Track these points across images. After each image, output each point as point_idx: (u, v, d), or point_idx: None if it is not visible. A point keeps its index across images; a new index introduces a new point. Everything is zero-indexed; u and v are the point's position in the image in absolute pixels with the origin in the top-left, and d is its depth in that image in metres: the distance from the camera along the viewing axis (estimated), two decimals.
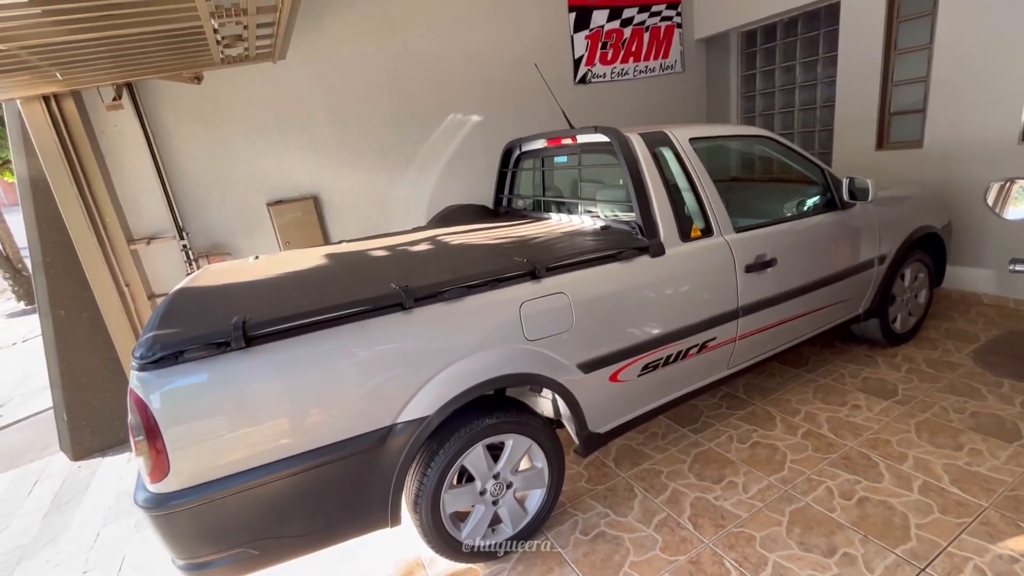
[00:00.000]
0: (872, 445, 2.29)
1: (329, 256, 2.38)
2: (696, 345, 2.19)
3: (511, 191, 3.32)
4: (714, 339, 2.24)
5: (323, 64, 3.58)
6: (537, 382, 1.82)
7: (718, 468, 2.29)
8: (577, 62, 4.54)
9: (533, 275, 1.81)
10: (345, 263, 2.27)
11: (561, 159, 2.87)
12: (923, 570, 1.66)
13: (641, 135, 2.23)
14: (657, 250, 2.06)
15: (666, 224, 2.12)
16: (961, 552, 1.71)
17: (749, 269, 2.26)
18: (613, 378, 2.01)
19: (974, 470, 2.07)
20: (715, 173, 2.33)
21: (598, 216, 2.54)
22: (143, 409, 1.31)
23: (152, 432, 1.32)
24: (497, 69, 4.21)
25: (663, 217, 2.12)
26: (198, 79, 2.93)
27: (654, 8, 4.79)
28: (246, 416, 1.40)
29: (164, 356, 1.33)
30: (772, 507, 2.02)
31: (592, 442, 2.04)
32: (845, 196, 2.57)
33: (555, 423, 2.12)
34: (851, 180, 2.55)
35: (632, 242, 2.05)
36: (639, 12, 4.72)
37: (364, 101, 3.75)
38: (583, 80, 4.60)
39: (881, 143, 3.98)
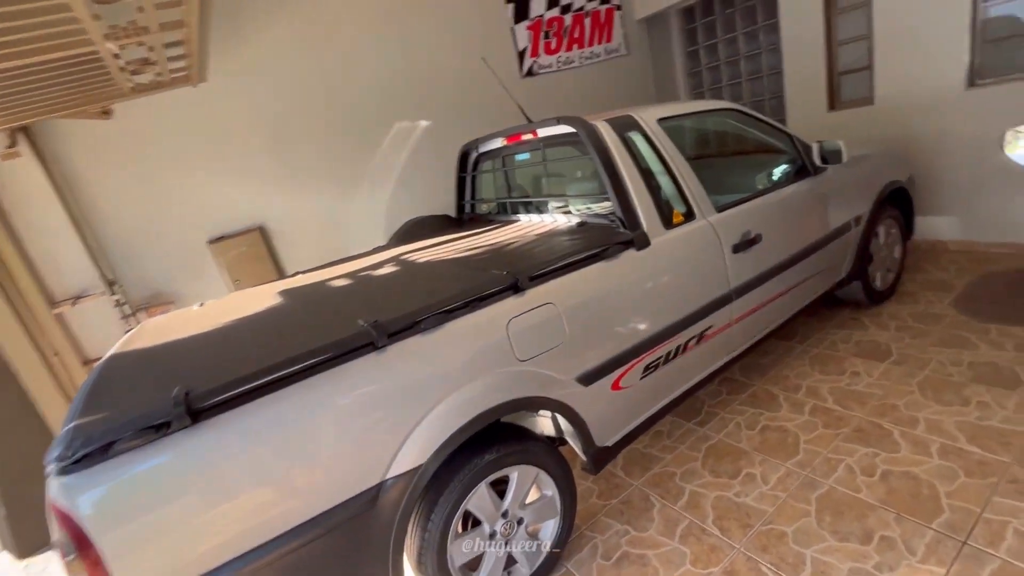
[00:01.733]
0: (881, 413, 2.23)
1: (284, 293, 2.14)
2: (695, 336, 2.06)
3: (473, 196, 3.13)
4: (711, 327, 2.12)
5: (252, 83, 3.29)
6: (536, 405, 1.64)
7: (732, 461, 2.18)
8: (521, 54, 4.38)
9: (516, 288, 1.63)
10: (303, 299, 2.03)
11: (523, 156, 2.70)
12: (965, 543, 1.58)
13: (608, 121, 2.08)
14: (642, 242, 1.91)
15: (647, 213, 1.98)
16: (998, 517, 1.63)
17: (737, 249, 2.15)
18: (615, 386, 1.85)
19: (987, 424, 2.02)
20: (684, 152, 2.21)
21: (571, 212, 2.39)
22: (69, 523, 1.06)
23: (85, 547, 1.07)
24: (440, 70, 4.00)
25: (643, 206, 1.97)
26: (106, 113, 2.61)
27: None
28: (202, 506, 1.16)
29: (89, 453, 1.08)
30: (797, 496, 1.91)
31: (601, 458, 1.88)
32: (817, 161, 2.50)
33: (557, 440, 1.95)
34: (821, 144, 2.48)
35: (615, 237, 1.90)
36: None
37: (303, 118, 3.48)
38: (530, 73, 4.44)
39: (833, 104, 3.99)
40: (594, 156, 1.97)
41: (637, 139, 2.11)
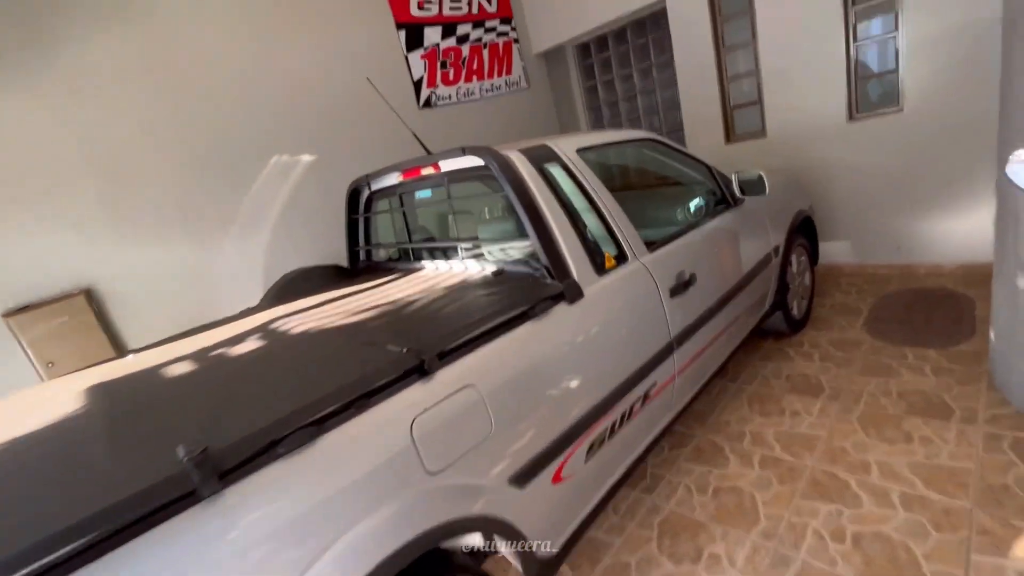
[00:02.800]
0: (831, 458, 2.06)
1: (93, 392, 1.51)
2: (639, 398, 1.76)
3: (368, 241, 2.67)
4: (655, 384, 1.83)
5: (70, 108, 2.58)
6: (457, 531, 1.20)
7: (691, 538, 1.87)
8: (417, 84, 4.04)
9: (422, 370, 1.21)
10: (116, 401, 1.43)
11: (424, 194, 2.30)
12: None
13: (523, 152, 1.76)
14: (575, 293, 1.58)
15: (577, 258, 1.66)
16: None
17: (674, 292, 1.90)
18: (557, 478, 1.47)
19: (936, 463, 1.91)
20: (607, 185, 1.95)
21: (485, 258, 2.02)
22: None
23: None
24: (324, 98, 3.53)
25: (571, 250, 1.66)
26: None
27: (488, 24, 4.51)
28: None
29: None
30: None
31: (547, 571, 1.47)
32: (736, 192, 2.39)
33: (483, 554, 1.51)
34: (739, 175, 2.37)
35: (542, 290, 1.55)
36: (473, 28, 4.40)
37: (146, 152, 2.81)
38: (428, 104, 4.11)
39: (729, 137, 4.10)
40: (509, 192, 1.62)
41: (556, 172, 1.81)
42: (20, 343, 2.45)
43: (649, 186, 3.05)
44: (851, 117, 3.44)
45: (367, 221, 2.62)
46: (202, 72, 2.98)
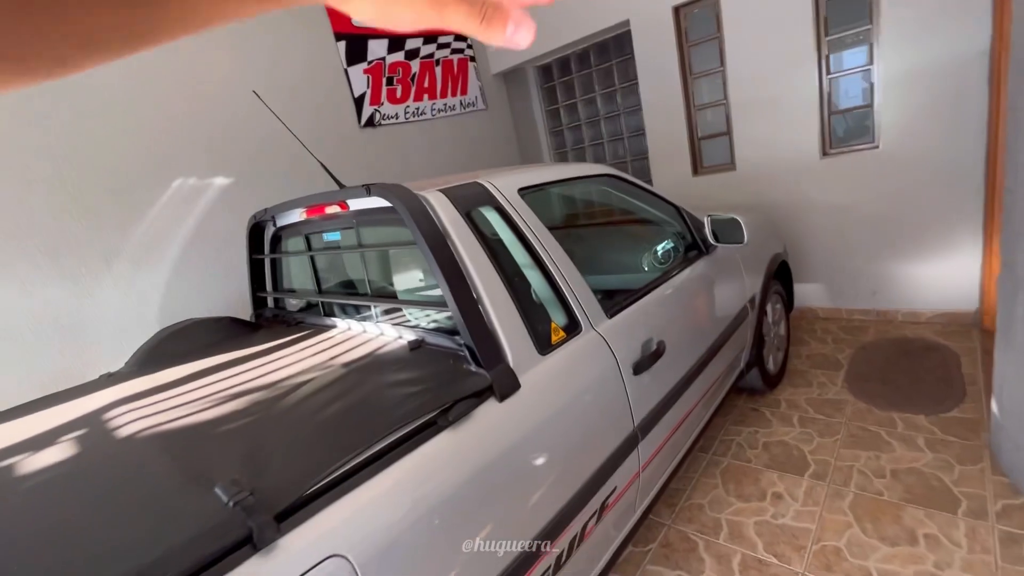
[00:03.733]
0: (825, 564, 1.71)
1: None
2: (594, 512, 1.35)
3: (276, 287, 2.21)
4: (615, 490, 1.43)
5: None
6: None
7: None
8: (359, 101, 3.63)
9: (252, 542, 0.77)
10: None
11: (332, 235, 1.87)
12: None
13: (445, 192, 1.37)
14: (507, 386, 1.18)
15: (513, 334, 1.26)
16: None
17: (639, 368, 1.52)
18: None
19: (949, 575, 1.58)
20: (556, 234, 1.58)
21: (405, 319, 1.60)
22: None
23: None
24: (247, 113, 3.06)
25: (506, 323, 1.26)
26: None
27: (440, 39, 4.16)
28: None
29: None
30: None
31: None
32: (710, 239, 2.06)
33: None
34: (713, 218, 2.05)
35: (461, 382, 1.14)
36: (424, 43, 4.03)
37: (14, 179, 2.28)
38: (371, 122, 3.70)
39: (697, 169, 3.84)
40: (422, 246, 1.22)
41: (491, 217, 1.42)
42: None
43: (609, 232, 2.70)
44: (824, 153, 3.22)
45: (274, 263, 2.17)
46: (86, 84, 2.48)
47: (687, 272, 1.97)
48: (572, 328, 1.42)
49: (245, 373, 1.49)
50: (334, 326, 1.80)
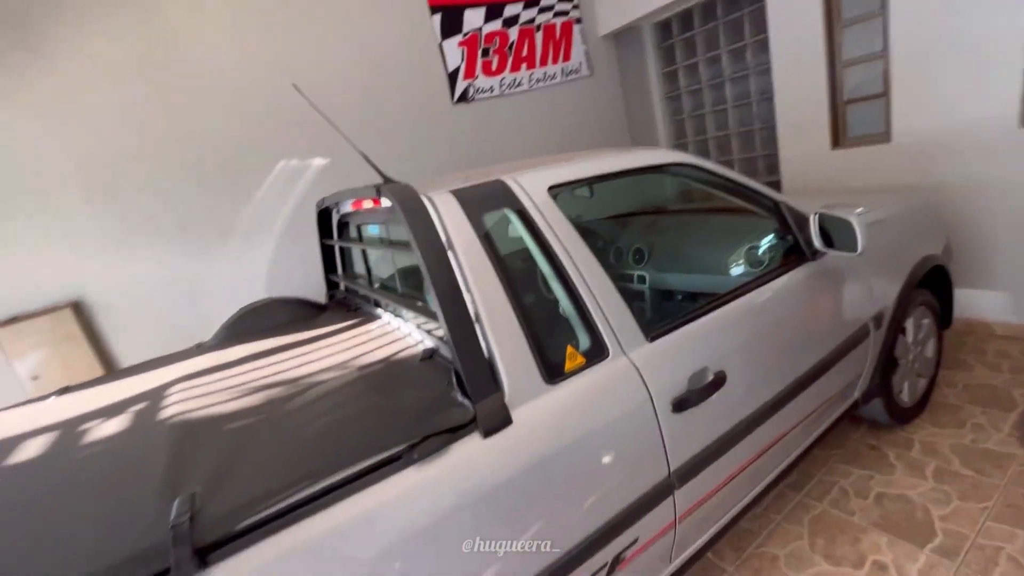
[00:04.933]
0: None
1: None
2: (603, 566, 1.18)
3: (344, 271, 2.29)
4: (634, 542, 1.24)
5: (61, 115, 2.48)
6: None
7: None
8: (453, 76, 3.58)
9: (190, 567, 0.77)
10: None
11: (374, 229, 1.85)
12: None
13: (456, 194, 1.23)
14: (494, 419, 1.05)
15: (513, 360, 1.11)
16: None
17: (682, 405, 1.27)
18: None
19: None
20: (596, 241, 1.36)
21: (427, 325, 1.53)
22: None
23: None
24: (342, 93, 3.19)
25: (506, 348, 1.11)
26: None
27: (543, 2, 3.90)
28: None
29: None
30: None
31: None
32: (816, 242, 1.63)
33: None
34: (822, 216, 1.62)
35: (443, 414, 1.03)
36: (525, 8, 3.81)
37: (138, 159, 2.66)
38: (464, 98, 3.63)
39: (837, 140, 3.15)
40: (417, 254, 1.11)
41: (511, 222, 1.26)
42: (6, 355, 2.42)
43: (683, 231, 2.32)
44: None
45: (341, 248, 2.24)
46: (202, 72, 2.77)
47: (778, 283, 1.60)
48: (596, 353, 1.22)
49: (282, 363, 1.55)
50: (379, 317, 1.80)
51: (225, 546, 0.82)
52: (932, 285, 2.23)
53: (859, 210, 1.87)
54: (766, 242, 1.83)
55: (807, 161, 3.26)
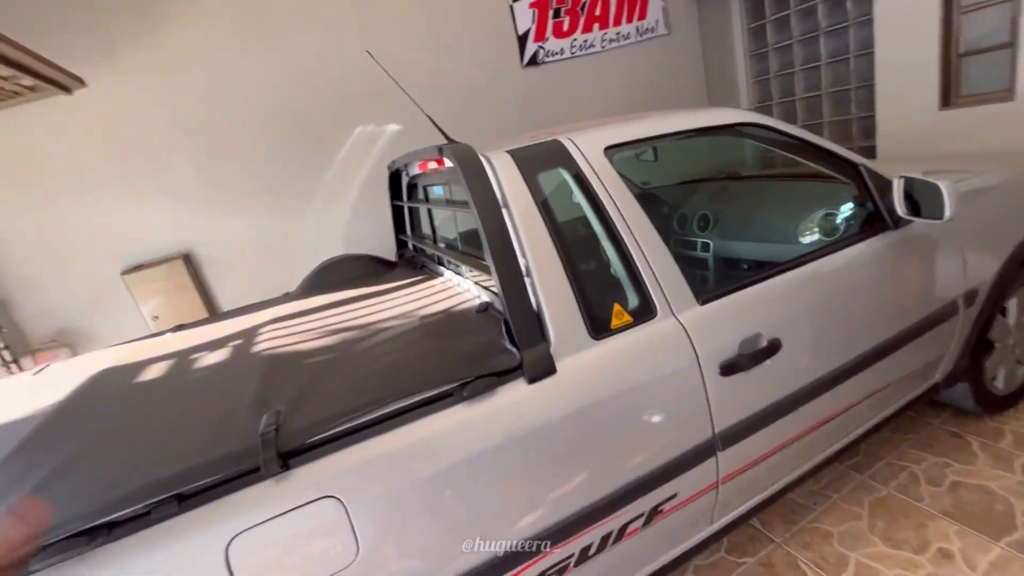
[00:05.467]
0: None
1: (107, 377, 1.57)
2: (639, 516, 1.24)
3: (413, 231, 2.43)
4: (673, 497, 1.28)
5: (172, 84, 2.78)
6: None
7: None
8: (523, 39, 3.55)
9: (275, 466, 0.92)
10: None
11: (439, 191, 1.94)
12: None
13: (512, 152, 1.28)
14: (539, 367, 1.12)
15: (561, 315, 1.17)
16: None
17: (729, 369, 1.27)
18: None
19: None
20: (653, 204, 1.35)
21: (485, 281, 1.62)
22: None
23: None
24: (416, 61, 3.29)
25: (554, 303, 1.17)
26: None
27: None
28: None
29: None
30: None
31: None
32: (899, 209, 1.52)
33: None
34: (907, 181, 1.49)
35: (492, 359, 1.11)
36: None
37: (237, 126, 2.93)
38: (534, 61, 3.60)
39: (948, 98, 2.81)
40: (473, 211, 1.18)
41: (565, 181, 1.29)
42: (134, 298, 2.83)
43: (751, 195, 2.20)
44: None
45: (411, 211, 2.37)
46: (289, 45, 2.96)
47: (851, 252, 1.51)
48: (643, 312, 1.25)
49: (354, 311, 1.71)
50: (441, 275, 1.92)
51: (303, 454, 0.96)
52: None
53: (957, 177, 1.69)
54: (843, 209, 1.73)
55: (909, 124, 2.94)
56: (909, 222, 1.57)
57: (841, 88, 3.68)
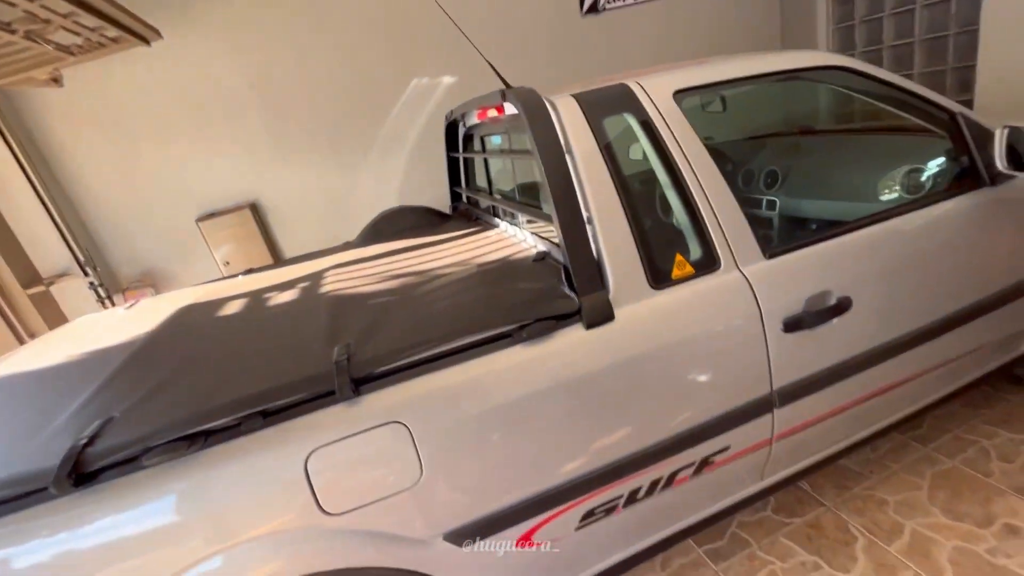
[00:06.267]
0: None
1: (191, 312, 1.72)
2: (689, 465, 1.25)
3: (468, 183, 2.44)
4: (725, 449, 1.28)
5: (241, 36, 2.85)
6: None
7: None
8: None
9: (348, 391, 0.99)
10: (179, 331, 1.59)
11: (496, 139, 1.93)
12: None
13: (578, 96, 1.25)
14: (597, 314, 1.13)
15: (622, 260, 1.17)
16: None
17: (794, 325, 1.24)
18: (525, 541, 1.16)
19: None
20: (726, 152, 1.30)
21: (543, 231, 1.62)
22: None
23: None
24: (473, 11, 3.20)
25: (614, 251, 1.16)
26: (55, 80, 2.34)
27: None
28: None
29: None
30: None
31: None
32: (999, 162, 1.38)
33: None
34: (1013, 132, 1.35)
35: (551, 303, 1.13)
36: None
37: (301, 78, 3.00)
38: (594, 8, 3.44)
39: None
40: (536, 157, 1.18)
41: (631, 127, 1.26)
42: (208, 244, 3.02)
43: (817, 157, 2.05)
44: None
45: (466, 162, 2.38)
46: (350, 4, 2.95)
47: (937, 209, 1.41)
48: (706, 264, 1.22)
49: (413, 259, 1.77)
50: (496, 226, 1.94)
51: (373, 381, 1.03)
52: None
53: None
54: (933, 164, 1.59)
55: (1019, 73, 2.63)
56: (1010, 178, 1.43)
57: (938, 34, 3.31)
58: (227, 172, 3.00)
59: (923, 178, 1.61)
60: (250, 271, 2.17)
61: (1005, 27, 2.67)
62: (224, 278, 2.20)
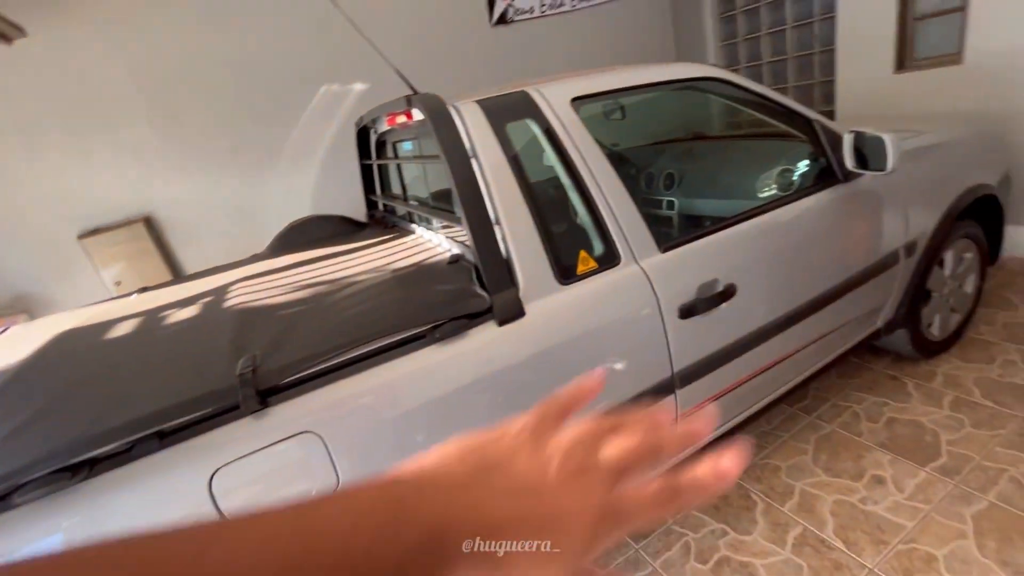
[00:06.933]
0: (906, 569, 1.44)
1: (73, 336, 1.55)
2: None
3: (382, 190, 2.42)
4: None
5: (124, 36, 2.62)
6: None
7: None
8: None
9: (254, 403, 0.95)
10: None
11: (407, 145, 1.94)
12: None
13: (481, 103, 1.30)
14: (508, 310, 1.17)
15: (529, 258, 1.22)
16: None
17: (688, 312, 1.36)
18: None
19: None
20: (619, 155, 1.40)
21: (457, 235, 1.65)
22: None
23: None
24: (382, 20, 3.18)
25: (523, 249, 1.21)
26: None
27: None
28: None
29: None
30: None
31: None
32: (848, 162, 1.60)
33: None
34: (857, 136, 1.58)
35: (464, 303, 1.16)
36: None
37: (197, 83, 2.81)
38: (503, 19, 3.54)
39: (903, 62, 2.91)
40: (443, 160, 1.20)
41: (532, 131, 1.32)
42: (93, 263, 2.74)
43: (714, 150, 2.28)
44: None
45: (380, 167, 2.35)
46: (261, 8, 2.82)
47: (803, 204, 1.60)
48: (608, 259, 1.31)
49: (325, 268, 1.72)
50: (413, 232, 1.93)
51: (279, 392, 1.00)
52: (984, 219, 2.13)
53: (902, 136, 1.79)
54: (801, 165, 1.81)
55: (867, 86, 3.05)
56: (858, 176, 1.66)
57: (805, 52, 3.75)
58: (114, 183, 2.74)
59: (793, 177, 1.83)
60: (145, 289, 2.00)
61: (855, 45, 3.08)
62: (114, 298, 2.01)
